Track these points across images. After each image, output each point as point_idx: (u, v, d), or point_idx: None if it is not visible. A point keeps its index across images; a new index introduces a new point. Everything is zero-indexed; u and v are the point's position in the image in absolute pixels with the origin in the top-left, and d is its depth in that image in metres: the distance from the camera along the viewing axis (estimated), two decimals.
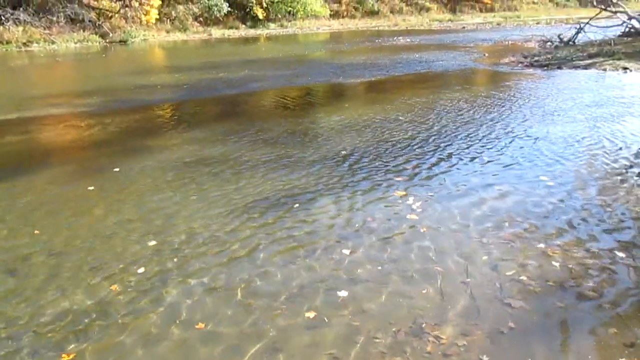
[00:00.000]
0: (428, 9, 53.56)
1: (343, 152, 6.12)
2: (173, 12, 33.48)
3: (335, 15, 44.42)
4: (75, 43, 26.76)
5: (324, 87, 12.08)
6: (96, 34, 28.38)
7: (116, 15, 30.12)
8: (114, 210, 4.58)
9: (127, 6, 30.61)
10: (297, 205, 4.55)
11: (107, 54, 23.19)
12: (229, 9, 35.45)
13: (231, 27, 35.49)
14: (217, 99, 10.75)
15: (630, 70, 12.19)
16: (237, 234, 4.03)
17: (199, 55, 22.31)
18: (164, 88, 12.23)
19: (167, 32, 31.79)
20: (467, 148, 6.16)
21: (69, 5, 28.20)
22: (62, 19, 27.89)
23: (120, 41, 28.02)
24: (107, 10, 30.19)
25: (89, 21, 28.79)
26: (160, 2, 31.48)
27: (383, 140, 6.61)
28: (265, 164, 5.78)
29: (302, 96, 10.97)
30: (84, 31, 28.09)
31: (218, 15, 34.87)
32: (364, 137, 6.81)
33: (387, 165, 5.56)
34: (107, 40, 28.00)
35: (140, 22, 30.42)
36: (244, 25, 36.78)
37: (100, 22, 29.02)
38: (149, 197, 4.87)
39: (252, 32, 35.24)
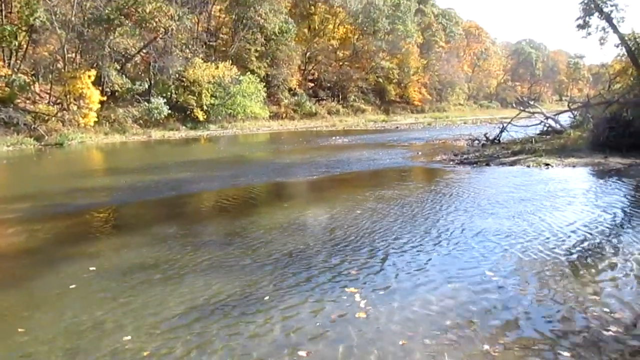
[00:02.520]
0: (363, 111, 56.62)
1: (282, 255, 5.99)
2: (112, 115, 33.56)
3: (274, 116, 45.98)
4: (8, 146, 26.01)
5: (264, 187, 12.12)
6: (31, 137, 27.80)
7: (53, 118, 29.81)
8: (28, 330, 4.19)
9: (64, 109, 30.47)
10: (235, 313, 4.33)
11: (41, 157, 22.60)
12: (169, 111, 35.98)
13: (171, 129, 35.82)
14: (155, 201, 10.50)
15: (552, 166, 13.06)
16: (170, 350, 3.75)
17: (138, 157, 22.13)
18: (100, 191, 11.88)
19: (106, 134, 31.63)
20: (410, 245, 6.19)
21: (3, 109, 27.73)
22: None
23: (56, 144, 27.51)
24: (43, 113, 29.89)
25: (24, 124, 28.27)
26: (100, 105, 31.56)
27: (323, 241, 6.57)
28: (203, 268, 5.56)
29: (241, 197, 10.92)
30: (17, 134, 27.46)
31: (158, 118, 35.22)
32: (304, 238, 6.74)
33: (328, 267, 5.47)
34: (43, 143, 27.42)
35: (78, 124, 30.17)
36: (184, 127, 37.26)
37: (35, 126, 28.55)
38: (71, 310, 4.51)
39: (192, 134, 35.66)
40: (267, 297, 4.66)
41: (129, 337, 3.95)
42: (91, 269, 5.69)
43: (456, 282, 4.89)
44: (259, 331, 4.00)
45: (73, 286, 5.18)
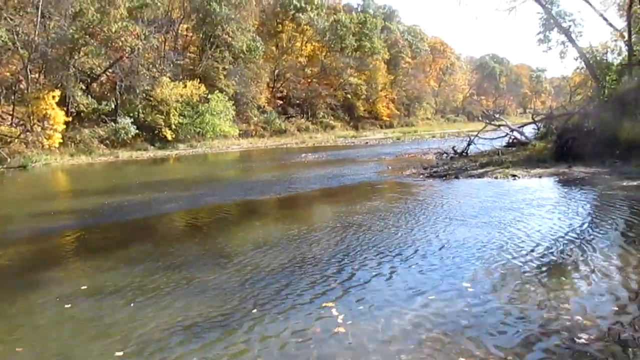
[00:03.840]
0: (333, 127, 56.95)
1: (257, 273, 5.92)
2: (78, 136, 32.88)
3: (244, 134, 45.80)
4: None
5: (236, 206, 12.01)
6: None
7: (16, 140, 29.03)
8: None
9: (28, 131, 29.72)
10: (212, 335, 4.24)
11: (3, 180, 21.93)
12: (137, 131, 35.47)
13: (139, 149, 35.28)
14: (123, 223, 10.26)
15: (519, 177, 13.32)
16: None
17: (105, 178, 21.70)
18: (66, 214, 11.57)
19: (72, 155, 30.93)
20: (386, 258, 6.20)
21: None
22: None
23: (19, 166, 26.73)
24: (5, 135, 29.07)
25: None
26: (65, 126, 30.91)
27: (298, 258, 6.51)
28: (176, 290, 5.43)
29: (212, 216, 10.79)
30: None
31: (125, 138, 34.68)
32: (276, 256, 6.66)
33: (304, 283, 5.42)
34: (5, 166, 26.63)
35: (43, 146, 29.43)
36: (152, 147, 36.76)
37: None
38: (38, 340, 4.34)
39: (160, 153, 35.21)
40: (243, 318, 4.58)
41: None
42: (57, 295, 5.50)
43: (432, 294, 4.89)
44: (239, 353, 3.91)
45: (38, 314, 4.99)
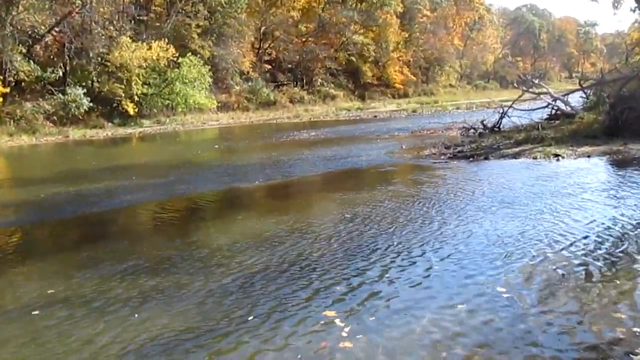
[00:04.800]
0: (334, 97, 56.80)
1: (238, 279, 5.91)
2: (18, 111, 32.75)
3: (224, 107, 45.73)
4: None
5: (213, 196, 12.01)
6: None
7: None
8: None
9: None
10: (180, 354, 4.25)
11: None
12: (91, 104, 35.32)
13: (94, 127, 35.21)
14: (75, 219, 10.24)
15: (563, 157, 13.33)
16: None
17: (54, 163, 21.67)
18: (8, 208, 11.56)
19: (11, 135, 30.84)
20: (400, 257, 6.20)
21: None
22: None
23: None
24: None
25: None
26: (1, 99, 30.78)
27: (289, 260, 6.51)
28: (139, 300, 5.42)
29: (185, 209, 10.79)
30: None
31: (77, 113, 34.55)
32: (262, 258, 6.64)
33: (295, 290, 5.43)
34: None
35: None
36: (110, 124, 36.69)
37: None
38: None
39: (121, 132, 35.15)
40: (221, 332, 4.58)
41: None
42: (6, 306, 5.51)
43: (461, 301, 4.90)
44: None
45: None
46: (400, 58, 67.33)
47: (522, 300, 4.93)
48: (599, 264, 5.78)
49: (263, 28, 54.31)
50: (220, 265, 6.45)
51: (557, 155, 13.51)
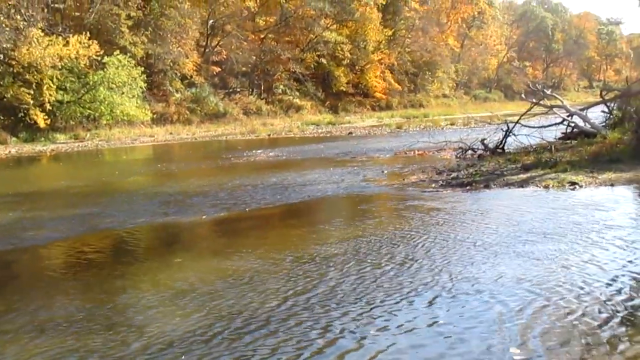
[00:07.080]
0: (298, 108, 57.10)
1: (173, 342, 5.81)
2: None
3: (160, 119, 45.59)
4: None
5: (143, 232, 11.88)
6: None
7: None
8: None
9: None
10: None
11: None
12: None
13: None
14: None
15: (580, 186, 13.46)
16: None
17: None
18: None
19: None
20: (381, 316, 6.15)
21: None
22: None
23: None
24: None
25: None
26: None
27: (236, 317, 6.41)
28: None
29: (107, 249, 10.66)
30: None
31: None
32: (204, 315, 6.55)
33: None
34: None
35: None
36: (15, 139, 36.28)
37: None
38: None
39: (28, 149, 34.79)
40: None
41: None
42: None
43: None
44: None
45: None
46: (382, 61, 68.03)
47: None
48: (617, 320, 5.80)
49: (211, 21, 54.59)
50: (147, 327, 6.27)
51: (573, 184, 13.64)
